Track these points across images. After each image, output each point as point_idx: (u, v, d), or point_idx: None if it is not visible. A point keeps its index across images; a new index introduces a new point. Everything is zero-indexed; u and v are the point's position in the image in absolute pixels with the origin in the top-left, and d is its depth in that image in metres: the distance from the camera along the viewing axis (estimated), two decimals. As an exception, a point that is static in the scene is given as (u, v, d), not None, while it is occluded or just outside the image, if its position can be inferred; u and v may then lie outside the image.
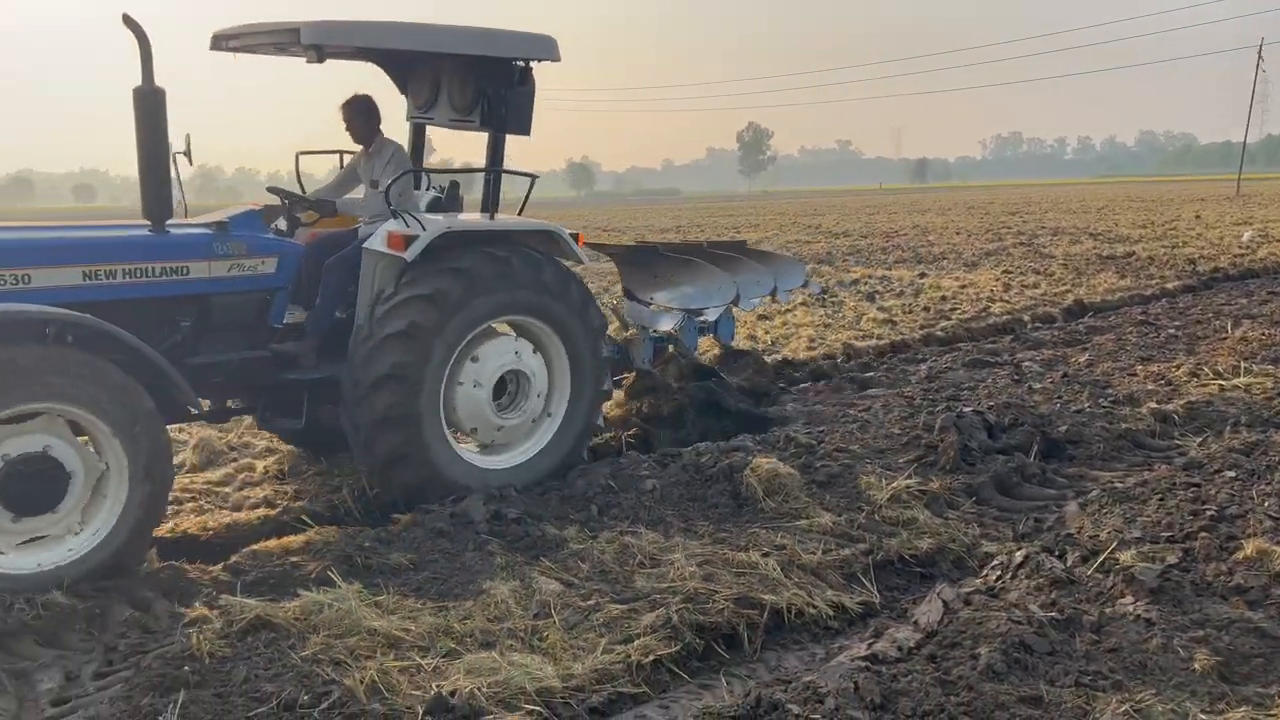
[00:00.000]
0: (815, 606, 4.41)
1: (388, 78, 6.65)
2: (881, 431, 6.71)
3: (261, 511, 5.77)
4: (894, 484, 5.60)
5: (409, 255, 5.52)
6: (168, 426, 4.88)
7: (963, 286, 15.08)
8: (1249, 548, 4.19)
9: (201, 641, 3.79)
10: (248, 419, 6.97)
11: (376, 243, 5.68)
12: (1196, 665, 3.44)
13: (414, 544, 4.90)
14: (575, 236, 6.26)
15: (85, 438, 4.65)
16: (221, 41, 5.76)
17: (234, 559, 4.86)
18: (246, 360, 5.55)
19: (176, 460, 6.69)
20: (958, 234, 27.74)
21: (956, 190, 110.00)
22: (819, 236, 29.14)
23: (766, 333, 11.45)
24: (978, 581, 4.35)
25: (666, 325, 7.62)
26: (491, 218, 6.05)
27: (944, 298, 13.95)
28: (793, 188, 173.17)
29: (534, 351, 6.03)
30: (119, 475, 4.59)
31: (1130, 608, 3.82)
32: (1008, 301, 13.39)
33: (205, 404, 5.74)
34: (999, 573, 4.36)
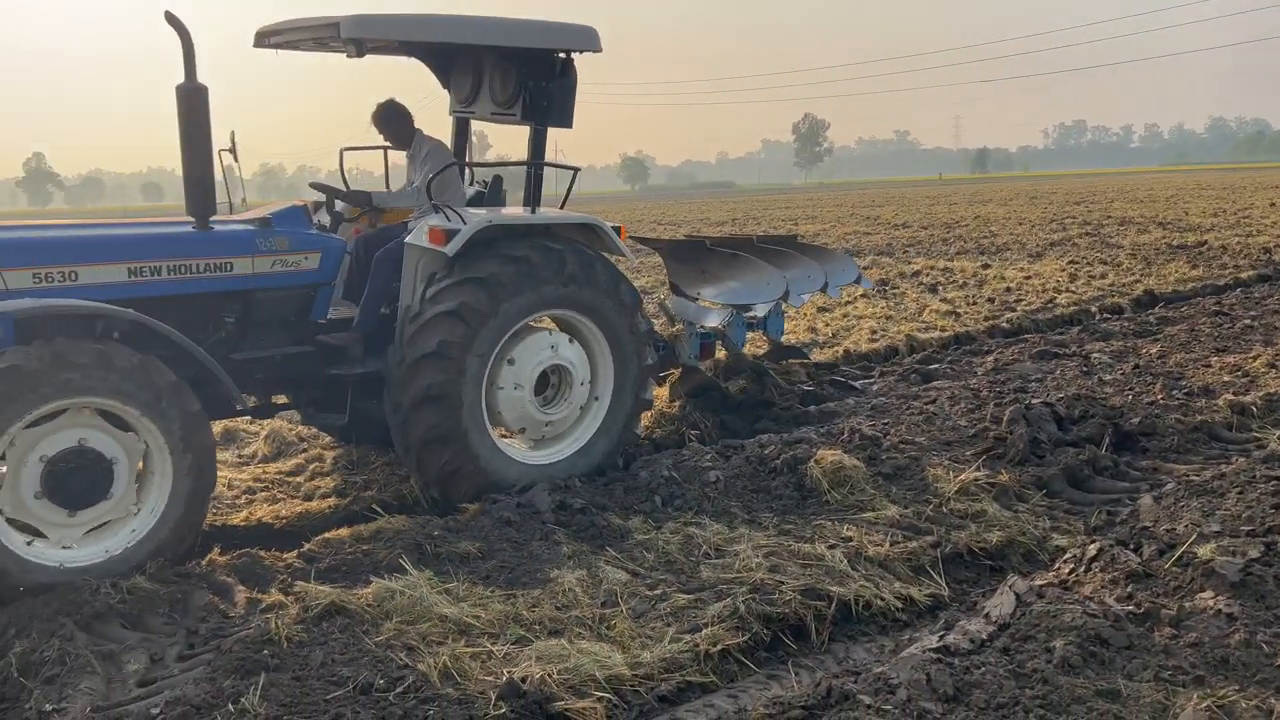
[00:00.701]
0: (883, 599, 4.38)
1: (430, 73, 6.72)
2: (948, 424, 6.63)
3: (332, 501, 5.89)
4: (962, 476, 5.54)
5: (450, 250, 5.47)
6: (213, 423, 4.99)
7: (1027, 277, 14.80)
8: (1335, 542, 4.06)
9: (279, 626, 3.89)
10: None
11: (418, 237, 5.67)
12: (1281, 661, 3.35)
13: (482, 533, 4.97)
14: (618, 229, 6.19)
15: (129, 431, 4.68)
16: (264, 39, 5.80)
17: (307, 547, 4.97)
18: (290, 356, 5.59)
19: (249, 451, 6.93)
20: (1020, 224, 27.20)
21: (1018, 180, 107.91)
22: (878, 228, 28.80)
23: (826, 325, 11.36)
24: (1050, 575, 4.28)
25: (714, 321, 7.55)
26: (533, 211, 6.00)
27: (1008, 289, 13.71)
28: (850, 179, 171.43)
29: (570, 341, 5.97)
30: (160, 453, 4.67)
31: (1210, 602, 3.73)
32: (1074, 292, 13.11)
33: (251, 400, 5.83)
34: (1072, 566, 4.28)
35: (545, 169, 6.19)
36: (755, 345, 8.70)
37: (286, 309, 5.60)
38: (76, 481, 4.50)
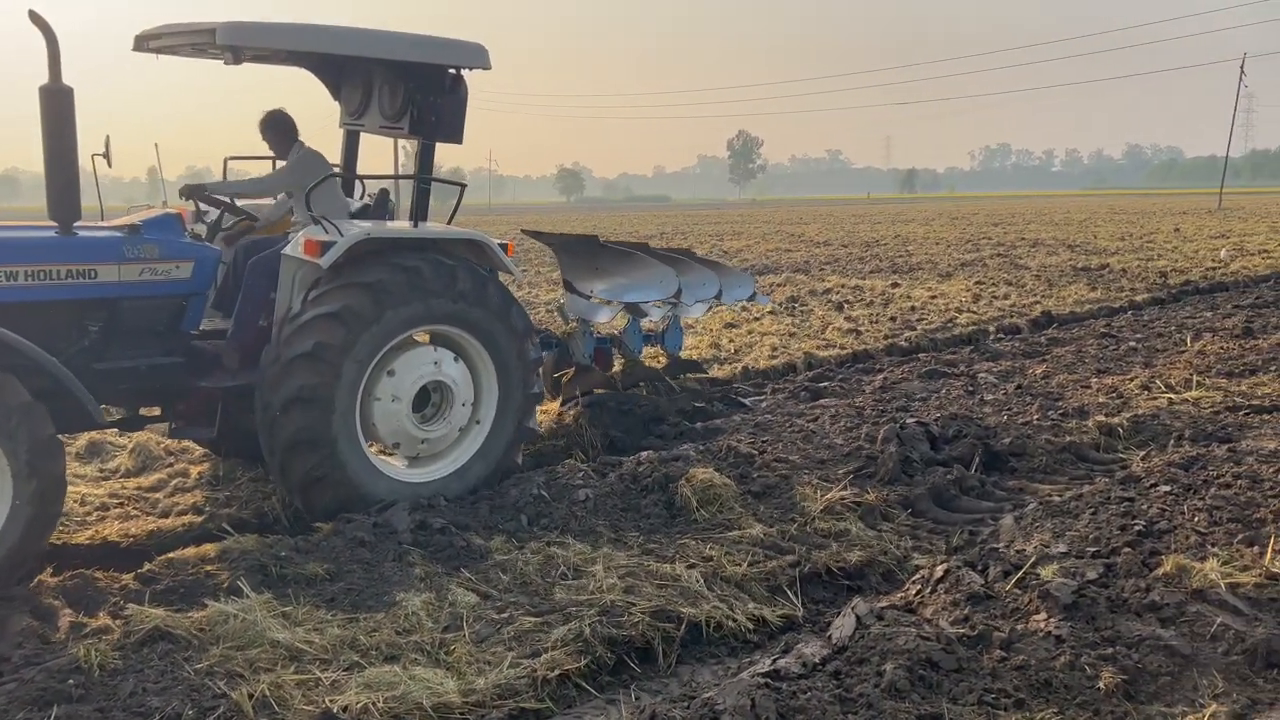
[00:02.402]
0: (735, 619, 4.35)
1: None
2: (824, 442, 6.66)
3: (188, 519, 5.67)
4: (828, 495, 5.55)
5: (324, 262, 5.35)
6: (71, 435, 4.74)
7: (933, 297, 15.06)
8: (1169, 564, 4.14)
9: (93, 653, 3.70)
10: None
11: (294, 248, 5.55)
12: (1101, 684, 3.38)
13: (333, 554, 4.81)
14: (504, 246, 6.10)
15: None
16: (144, 42, 5.68)
17: (147, 567, 4.76)
18: (157, 366, 5.41)
19: (112, 465, 6.66)
20: (937, 244, 27.77)
21: (944, 200, 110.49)
22: (800, 245, 29.14)
23: (730, 341, 11.40)
24: (897, 596, 4.29)
25: (605, 317, 7.52)
26: (416, 225, 5.88)
27: (913, 308, 13.93)
28: (783, 196, 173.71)
29: (455, 360, 5.84)
30: (2, 476, 4.42)
31: (1042, 624, 3.76)
32: (975, 312, 13.37)
33: (118, 412, 5.63)
34: (919, 587, 4.30)
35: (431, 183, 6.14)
36: (654, 360, 8.66)
37: (155, 318, 5.41)
38: None
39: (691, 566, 4.74)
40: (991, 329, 12.04)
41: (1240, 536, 4.47)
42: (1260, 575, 4.07)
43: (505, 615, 4.25)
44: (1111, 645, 3.59)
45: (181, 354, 5.53)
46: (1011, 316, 12.93)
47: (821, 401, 8.13)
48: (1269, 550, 4.28)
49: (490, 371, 5.96)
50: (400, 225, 6.00)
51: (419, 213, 5.96)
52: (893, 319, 12.94)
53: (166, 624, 3.98)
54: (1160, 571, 4.11)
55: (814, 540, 5.15)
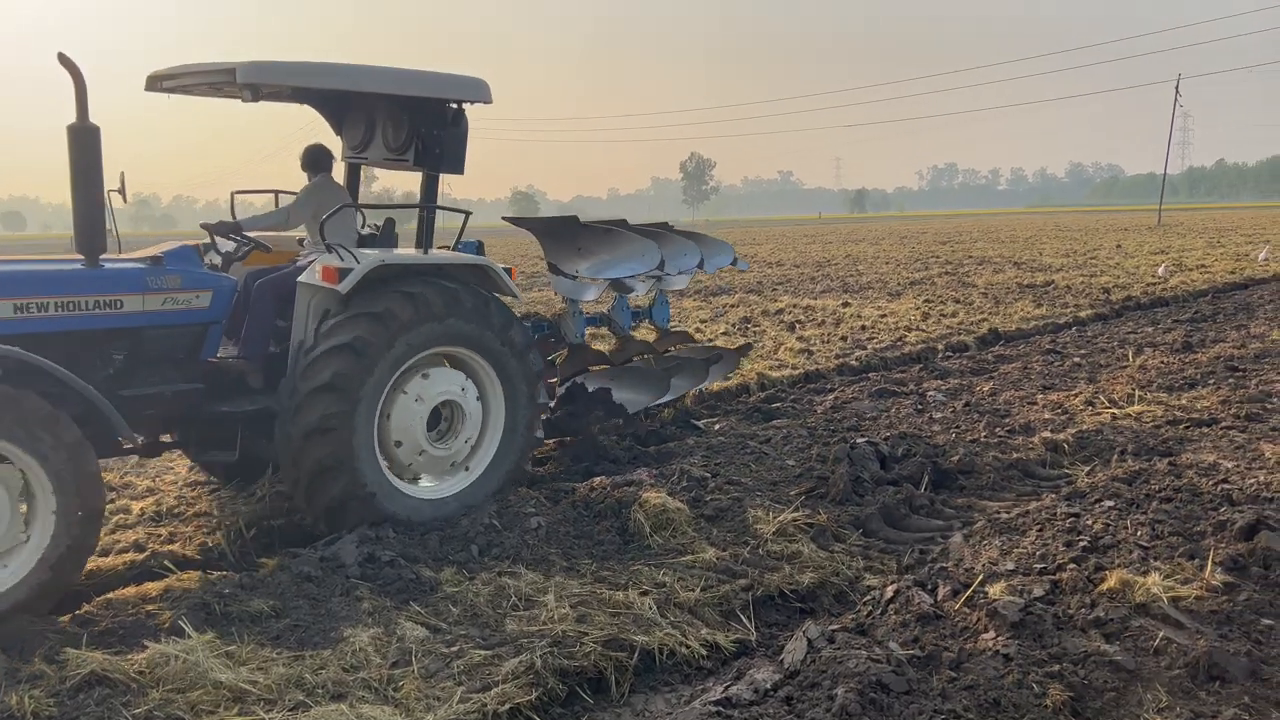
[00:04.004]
0: (688, 646, 4.33)
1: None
2: (777, 463, 6.68)
3: (129, 556, 5.52)
4: (781, 517, 5.56)
5: (342, 288, 5.56)
6: (100, 461, 4.84)
7: (883, 316, 15.23)
8: (1113, 579, 4.20)
9: (27, 701, 3.58)
10: (133, 459, 6.84)
11: (310, 275, 5.73)
12: (1049, 701, 3.41)
13: (278, 590, 4.71)
14: (509, 270, 6.32)
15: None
16: (157, 82, 5.88)
17: (85, 609, 4.63)
18: (181, 392, 5.57)
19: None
20: (887, 263, 28.12)
21: (893, 220, 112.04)
22: (753, 265, 29.34)
23: (683, 363, 11.39)
24: (849, 618, 4.31)
25: (592, 295, 7.67)
26: (425, 252, 6.14)
27: (863, 327, 14.07)
28: (735, 217, 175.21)
29: (466, 380, 6.04)
30: (41, 486, 4.54)
31: (990, 643, 3.79)
32: (924, 330, 13.54)
33: (139, 439, 5.69)
34: (870, 608, 4.32)
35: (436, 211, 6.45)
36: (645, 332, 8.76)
37: (177, 347, 5.61)
38: None
39: (644, 593, 4.72)
40: (940, 347, 12.20)
41: (1181, 550, 4.56)
42: (1201, 588, 4.15)
43: (455, 649, 4.19)
44: (1058, 662, 3.63)
45: (201, 380, 5.70)
46: (959, 334, 13.11)
47: (774, 422, 8.16)
48: (1209, 563, 4.36)
49: (497, 386, 6.16)
50: (409, 251, 6.20)
51: (425, 240, 6.24)
52: (844, 338, 13.06)
53: (105, 668, 3.86)
54: (1104, 587, 4.17)
55: (767, 563, 5.16)
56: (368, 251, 5.93)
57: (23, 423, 4.43)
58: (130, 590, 4.85)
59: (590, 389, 7.75)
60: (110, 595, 4.81)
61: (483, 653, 4.13)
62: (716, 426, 8.33)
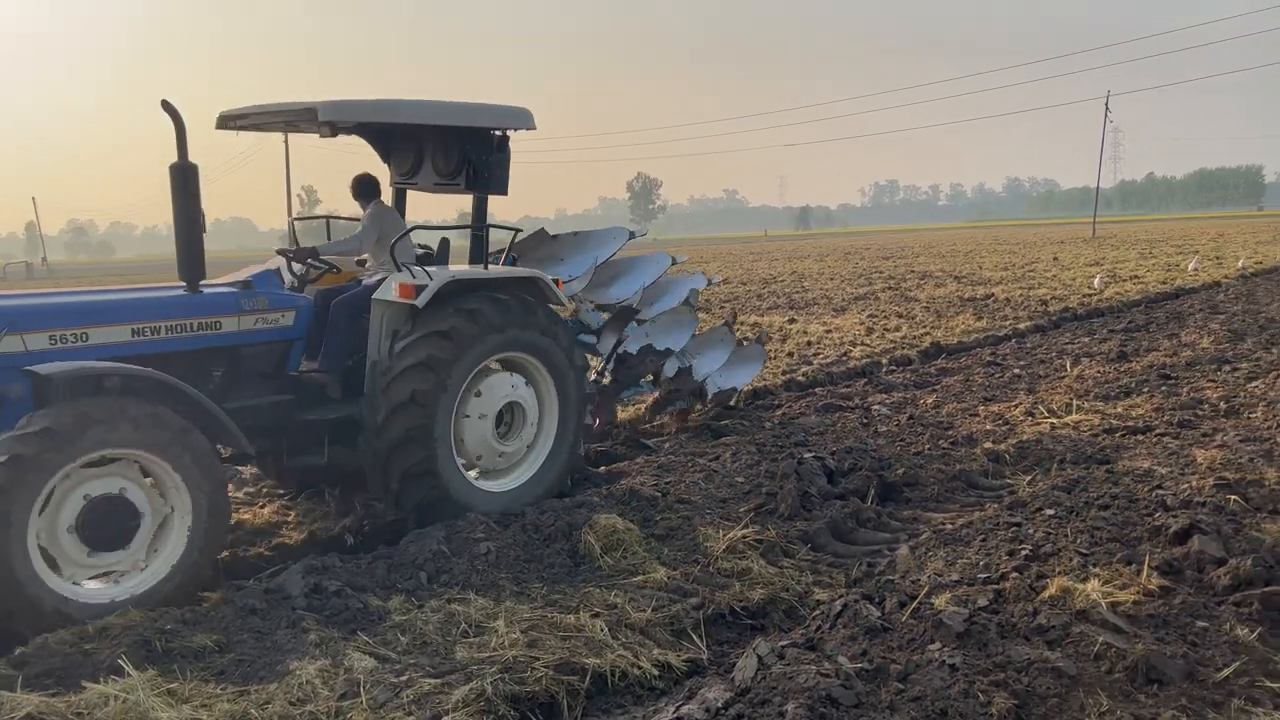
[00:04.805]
0: (640, 667, 4.32)
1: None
2: (726, 480, 6.72)
3: (66, 595, 5.36)
4: (730, 534, 5.59)
5: (420, 301, 6.09)
6: None
7: (828, 331, 15.41)
8: (1054, 586, 4.29)
9: (-42, 748, 3.47)
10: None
11: (387, 293, 6.25)
12: (994, 709, 3.47)
13: (222, 624, 4.62)
14: (556, 282, 6.94)
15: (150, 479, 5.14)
16: (229, 121, 6.41)
17: (20, 650, 4.48)
18: (274, 403, 6.13)
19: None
20: (832, 279, 28.47)
21: (837, 236, 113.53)
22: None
23: (632, 383, 11.41)
24: (798, 633, 4.33)
25: (581, 286, 8.18)
26: (486, 268, 6.71)
27: (809, 343, 14.22)
28: (682, 235, 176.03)
29: (526, 384, 6.72)
30: (178, 491, 5.12)
31: (937, 654, 3.84)
32: (869, 345, 13.73)
33: (253, 449, 5.89)
34: (818, 623, 4.35)
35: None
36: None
37: (267, 362, 6.19)
38: (108, 525, 4.94)
39: (596, 615, 4.71)
40: (884, 361, 12.37)
41: (1119, 556, 4.67)
42: (1138, 593, 4.26)
43: (404, 678, 4.13)
44: (1003, 670, 3.69)
45: (290, 391, 6.24)
46: (903, 348, 13.30)
47: (723, 439, 8.21)
48: (1145, 568, 4.48)
49: (549, 382, 6.80)
50: (472, 268, 6.77)
51: (479, 257, 6.88)
52: (790, 354, 13.19)
53: (41, 710, 3.75)
54: (1046, 595, 4.26)
55: (717, 581, 5.18)
56: (439, 269, 6.50)
57: (165, 437, 5.02)
58: (68, 629, 4.71)
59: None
60: (47, 635, 4.66)
61: (432, 681, 4.08)
62: (666, 445, 8.35)
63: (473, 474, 6.56)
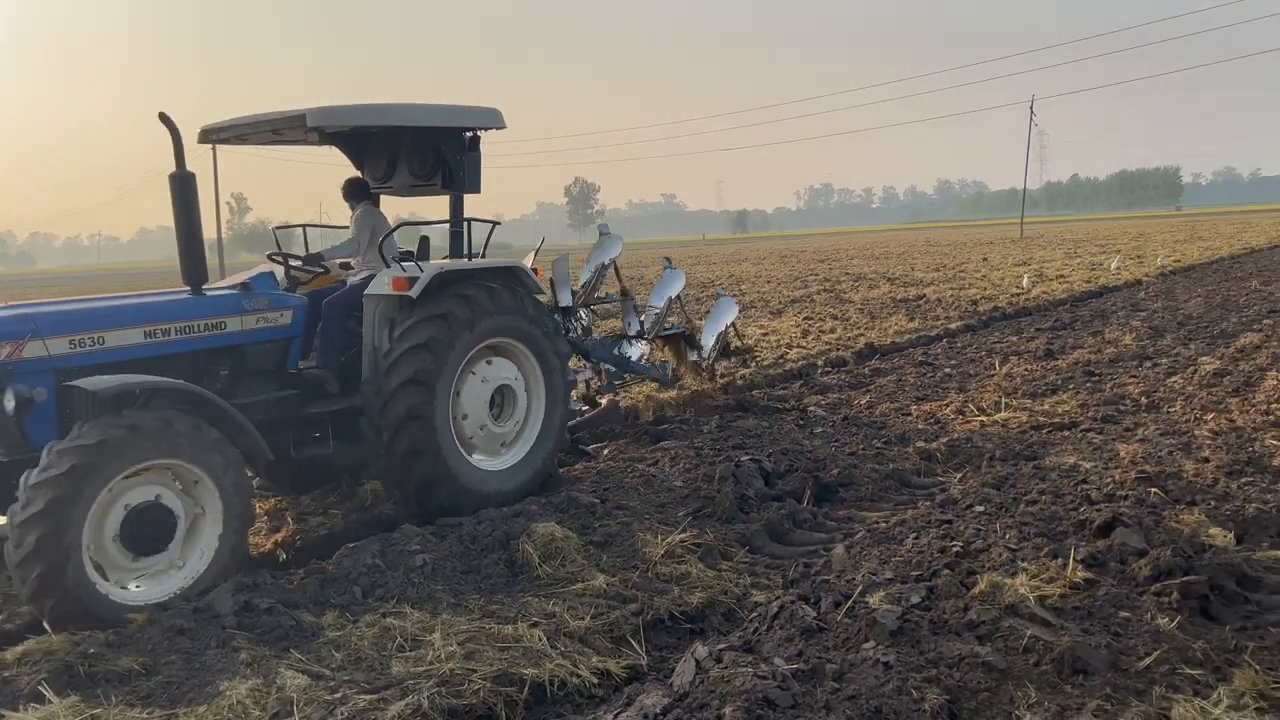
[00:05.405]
0: (579, 675, 4.30)
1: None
2: (665, 485, 6.73)
3: (-17, 620, 5.19)
4: (669, 539, 5.60)
5: (414, 292, 6.38)
6: None
7: (765, 334, 15.54)
8: (984, 582, 4.38)
9: None
10: None
11: (379, 288, 6.51)
12: (927, 705, 3.52)
13: (148, 646, 4.50)
14: (535, 270, 7.36)
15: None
16: (211, 135, 6.66)
17: (-67, 680, 4.31)
18: (280, 399, 6.42)
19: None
20: (769, 282, 28.74)
21: (774, 239, 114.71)
22: (639, 288, 29.51)
23: (574, 392, 11.37)
24: (735, 636, 4.35)
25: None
26: (469, 259, 7.10)
27: (747, 346, 14.30)
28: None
29: (518, 372, 7.09)
30: (210, 497, 5.35)
31: (871, 652, 3.89)
32: (804, 347, 13.88)
33: (271, 455, 5.99)
34: (756, 625, 4.38)
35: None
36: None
37: (269, 359, 6.47)
38: (149, 531, 5.16)
39: (534, 625, 4.68)
40: (820, 363, 12.51)
41: (1046, 550, 4.78)
42: (1064, 586, 4.36)
43: (339, 695, 4.06)
44: (935, 666, 3.75)
45: (292, 387, 6.55)
46: (838, 349, 13.47)
47: (662, 444, 8.23)
48: (1071, 561, 4.59)
49: (536, 368, 7.14)
50: (456, 261, 7.09)
51: (463, 250, 7.23)
52: (730, 357, 13.24)
53: (-46, 744, 3.61)
54: (977, 590, 4.35)
55: (656, 586, 5.19)
56: (426, 263, 6.82)
57: (205, 447, 5.29)
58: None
59: None
60: (-38, 664, 4.49)
61: (368, 697, 4.02)
62: (605, 451, 8.34)
63: (476, 457, 6.85)
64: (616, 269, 10.16)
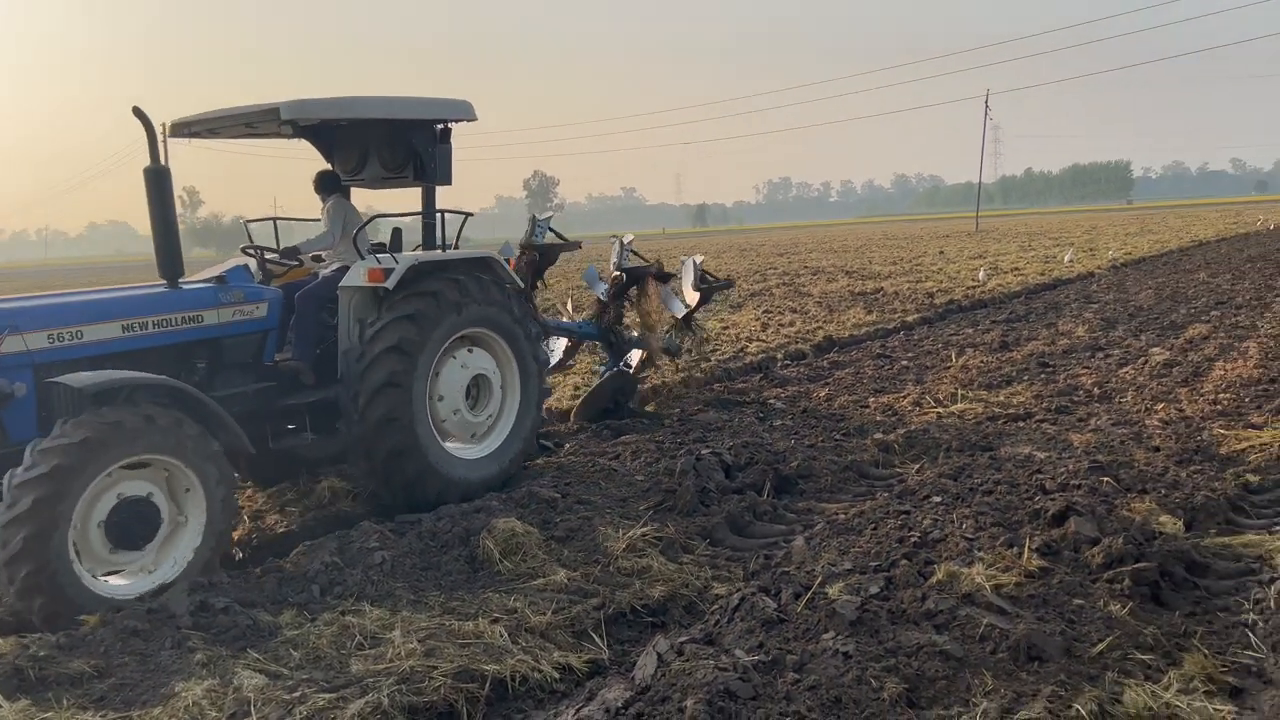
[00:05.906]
0: (540, 671, 4.29)
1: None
2: (626, 479, 6.74)
3: (-73, 625, 5.06)
4: (630, 533, 5.60)
5: (390, 284, 6.44)
6: None
7: (725, 328, 15.59)
8: (941, 572, 4.43)
9: None
10: None
11: (355, 279, 6.58)
12: (886, 694, 3.56)
13: (101, 647, 4.42)
14: (508, 261, 7.52)
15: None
16: (183, 129, 6.62)
17: (-125, 687, 4.20)
18: (259, 390, 6.46)
19: None
20: (729, 276, 28.78)
21: (733, 233, 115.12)
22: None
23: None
24: (697, 629, 4.37)
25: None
26: (443, 250, 7.12)
27: (706, 340, 14.34)
28: (581, 234, 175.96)
29: (494, 362, 7.16)
30: (194, 492, 5.35)
31: (831, 642, 3.92)
32: (764, 340, 13.95)
33: (252, 449, 5.95)
34: (717, 617, 4.40)
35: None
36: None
37: (246, 352, 6.52)
38: (132, 526, 5.16)
39: (495, 621, 4.66)
40: (779, 356, 12.58)
41: (1002, 539, 4.85)
42: (1020, 574, 4.43)
43: (297, 694, 4.01)
44: (894, 656, 3.79)
45: (269, 379, 6.58)
46: (797, 343, 13.55)
47: (623, 438, 8.23)
48: (1026, 550, 4.67)
49: (509, 353, 7.21)
50: (429, 253, 7.06)
51: (436, 241, 7.20)
52: (688, 351, 13.27)
53: (-102, 752, 3.52)
54: (934, 580, 4.40)
55: (617, 580, 5.19)
56: (401, 255, 6.80)
57: (187, 442, 5.28)
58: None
59: None
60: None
61: (327, 696, 3.98)
62: (566, 445, 8.32)
63: (450, 444, 6.93)
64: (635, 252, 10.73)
